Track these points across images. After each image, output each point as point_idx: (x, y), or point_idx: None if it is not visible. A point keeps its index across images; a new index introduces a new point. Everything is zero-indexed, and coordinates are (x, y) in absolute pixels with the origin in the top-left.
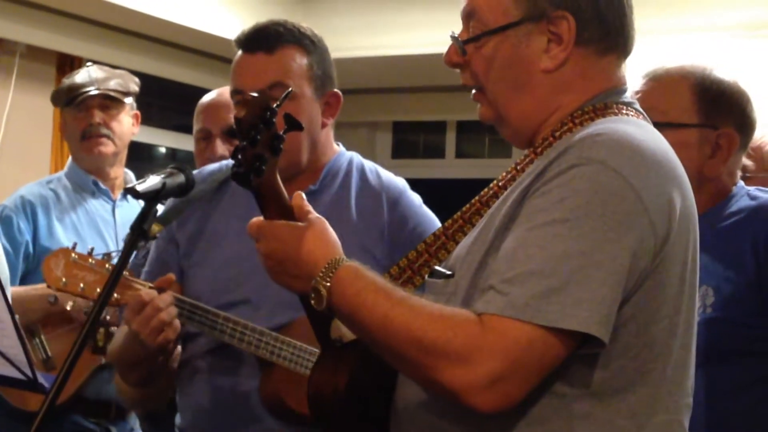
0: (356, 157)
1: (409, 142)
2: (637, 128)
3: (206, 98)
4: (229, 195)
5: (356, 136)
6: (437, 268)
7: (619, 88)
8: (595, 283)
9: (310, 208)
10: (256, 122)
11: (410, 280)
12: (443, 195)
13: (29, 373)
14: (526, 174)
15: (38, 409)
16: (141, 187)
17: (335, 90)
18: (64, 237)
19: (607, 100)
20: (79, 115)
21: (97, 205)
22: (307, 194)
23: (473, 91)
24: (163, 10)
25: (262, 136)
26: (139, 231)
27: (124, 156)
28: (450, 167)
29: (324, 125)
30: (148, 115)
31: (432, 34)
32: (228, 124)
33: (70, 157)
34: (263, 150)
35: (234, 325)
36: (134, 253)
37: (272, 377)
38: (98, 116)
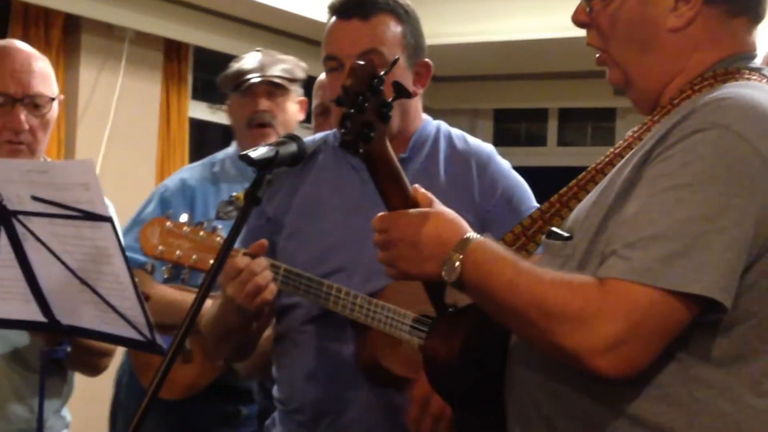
0: (443, 125)
1: (511, 130)
2: (763, 93)
3: (324, 74)
4: (318, 166)
5: (457, 123)
6: (554, 229)
7: (748, 53)
8: (719, 248)
9: (433, 197)
10: (363, 90)
11: (524, 247)
12: (545, 183)
13: (148, 334)
14: (648, 138)
15: (153, 384)
16: (255, 155)
17: (426, 60)
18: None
19: (734, 65)
20: (244, 101)
21: None
22: None
23: (597, 55)
24: None
25: (369, 104)
26: (252, 198)
27: None
28: (552, 155)
29: (414, 94)
30: None
31: (535, 20)
32: None
33: (234, 142)
34: (372, 117)
35: (328, 288)
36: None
37: (367, 341)
38: (264, 104)
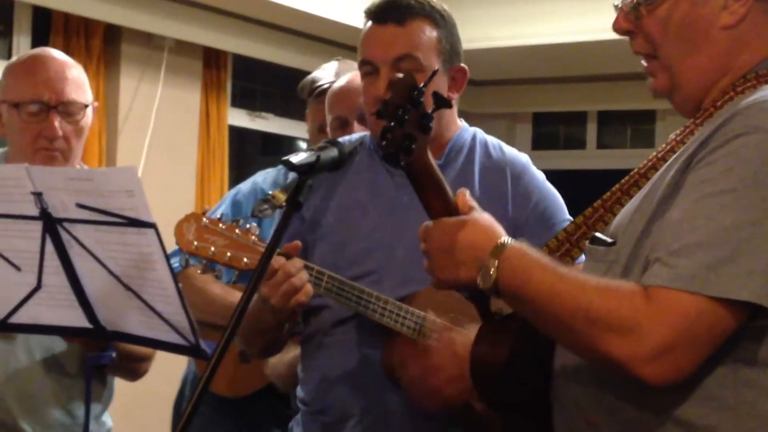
0: (479, 133)
1: (550, 133)
2: None
3: (337, 85)
4: (354, 169)
5: (496, 128)
6: (598, 234)
7: None
8: (765, 253)
9: (474, 204)
10: (403, 102)
11: (568, 253)
12: (584, 186)
13: (192, 339)
14: (690, 142)
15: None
16: (296, 160)
17: (462, 65)
18: None
19: None
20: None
21: None
22: None
23: (643, 62)
24: (307, 3)
25: (410, 116)
26: (294, 203)
27: None
28: (591, 158)
29: (449, 100)
30: (292, 108)
31: (572, 22)
32: (362, 108)
33: (305, 146)
34: (412, 129)
35: (359, 293)
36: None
37: (395, 347)
38: None
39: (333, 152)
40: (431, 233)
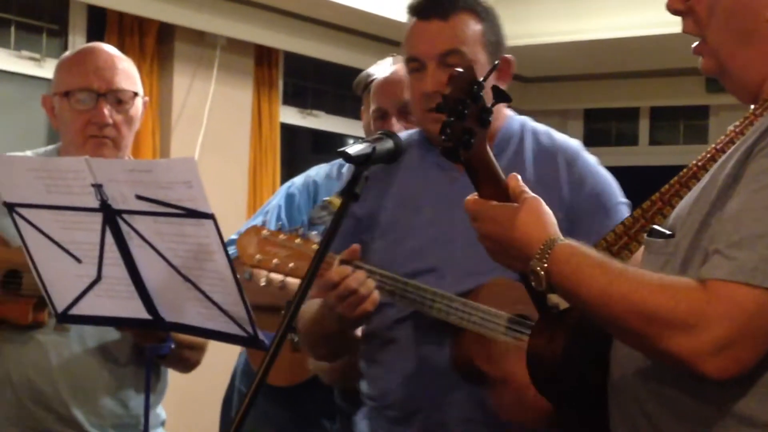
0: (528, 121)
1: (602, 129)
2: None
3: (380, 77)
4: (405, 166)
5: (547, 124)
6: (656, 227)
7: None
8: None
9: (525, 188)
10: (463, 97)
11: (626, 247)
12: (637, 183)
13: (250, 330)
14: (750, 133)
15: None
16: (352, 151)
17: (506, 56)
18: None
19: None
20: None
21: None
22: None
23: (694, 44)
24: (358, 0)
25: (469, 110)
26: (350, 195)
27: None
28: (644, 154)
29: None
30: (343, 106)
31: (624, 17)
32: (403, 101)
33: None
34: (472, 123)
35: (424, 293)
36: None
37: (463, 343)
38: None
39: (389, 143)
40: (482, 217)
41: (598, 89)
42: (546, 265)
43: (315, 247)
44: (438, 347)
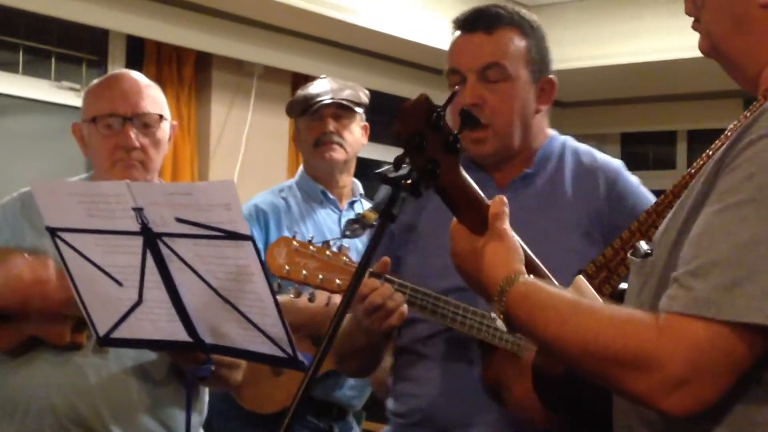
0: (570, 140)
1: (639, 153)
2: None
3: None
4: None
5: None
6: (639, 244)
7: None
8: None
9: (502, 215)
10: (419, 129)
11: (623, 262)
12: None
13: (290, 350)
14: (722, 145)
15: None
16: (390, 173)
17: (551, 77)
18: None
19: None
20: (312, 124)
21: (324, 215)
22: (522, 177)
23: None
24: (394, 27)
25: (429, 141)
26: (388, 215)
27: (353, 166)
28: None
29: (538, 111)
30: (378, 132)
31: (660, 41)
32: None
33: (301, 166)
34: (435, 153)
35: (455, 309)
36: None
37: (494, 361)
38: (331, 125)
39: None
40: (455, 248)
41: (634, 113)
42: (503, 308)
43: (345, 259)
44: (468, 365)
